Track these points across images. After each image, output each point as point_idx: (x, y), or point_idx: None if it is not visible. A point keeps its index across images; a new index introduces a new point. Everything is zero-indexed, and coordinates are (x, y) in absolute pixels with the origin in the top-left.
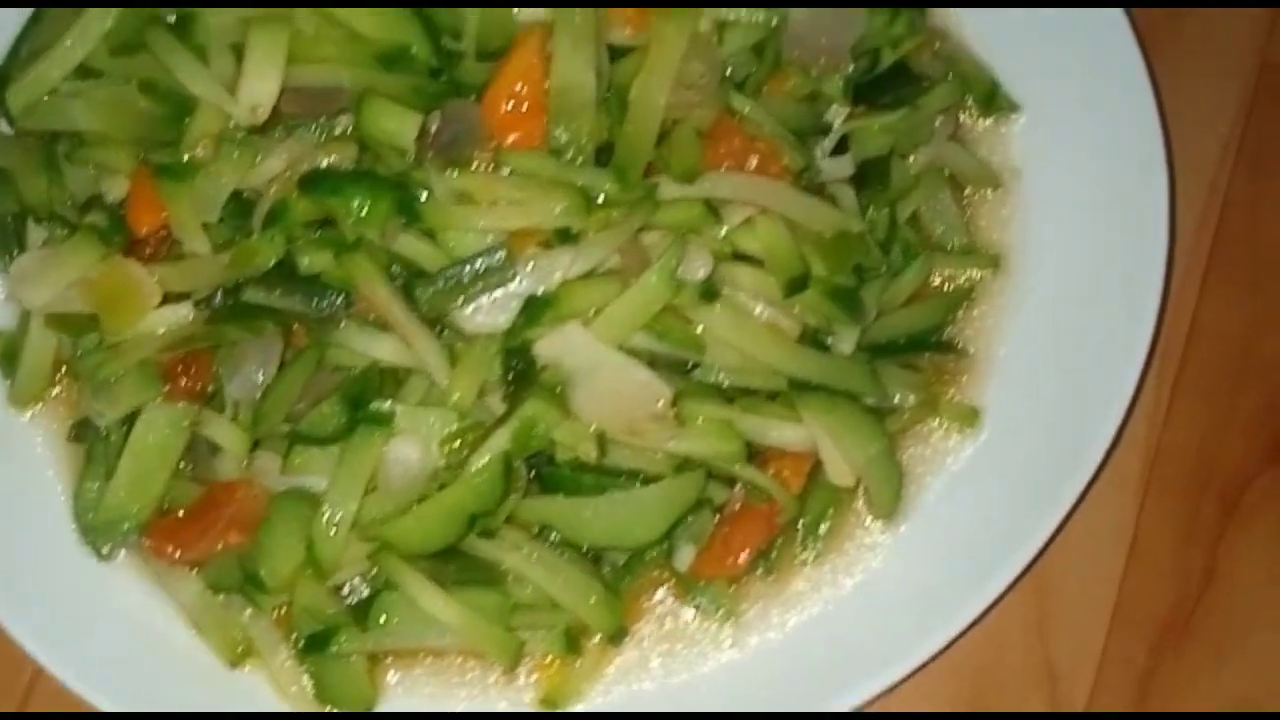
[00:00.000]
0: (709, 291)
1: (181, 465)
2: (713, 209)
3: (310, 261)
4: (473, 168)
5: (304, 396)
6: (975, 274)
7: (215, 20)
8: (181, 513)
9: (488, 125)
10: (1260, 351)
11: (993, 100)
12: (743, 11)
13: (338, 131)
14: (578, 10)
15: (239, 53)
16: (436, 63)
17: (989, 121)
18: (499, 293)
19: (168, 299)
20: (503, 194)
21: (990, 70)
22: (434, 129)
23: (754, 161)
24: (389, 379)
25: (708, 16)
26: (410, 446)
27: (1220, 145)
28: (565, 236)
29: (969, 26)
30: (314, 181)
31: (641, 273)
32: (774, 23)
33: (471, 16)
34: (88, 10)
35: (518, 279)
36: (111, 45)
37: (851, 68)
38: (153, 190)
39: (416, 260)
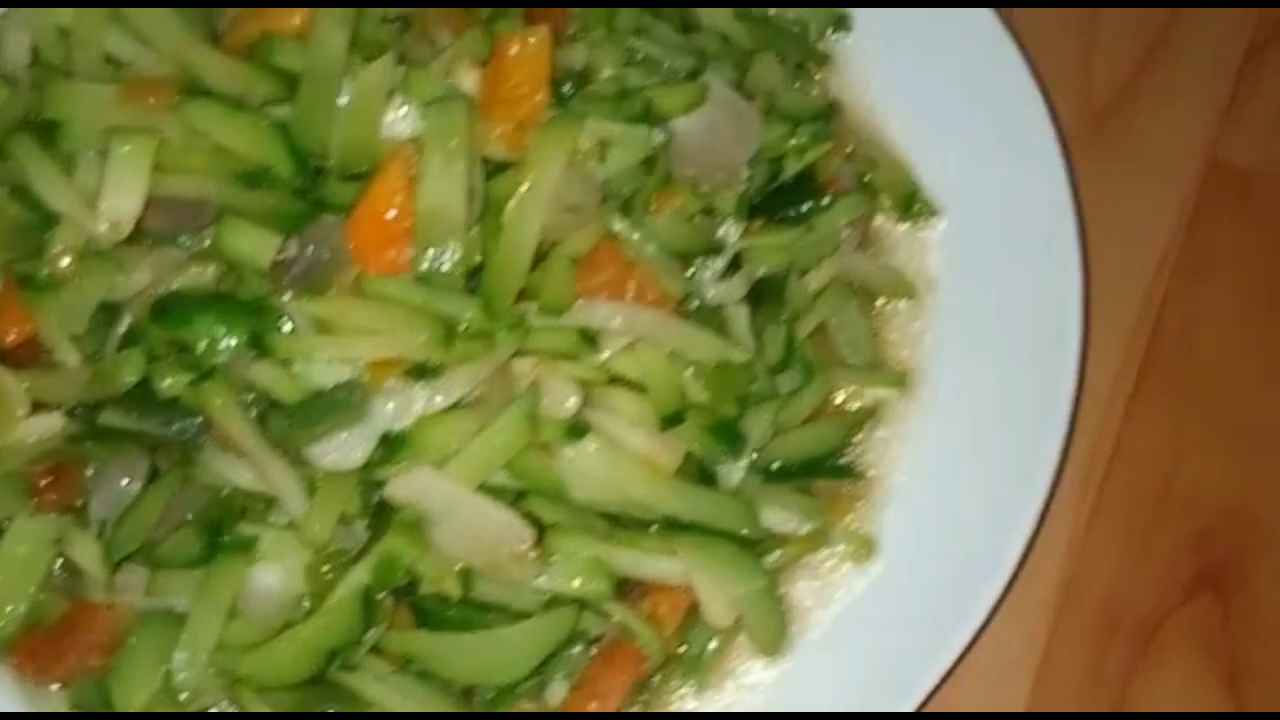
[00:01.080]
0: (576, 428)
1: (55, 574)
2: (589, 335)
3: (169, 384)
4: (333, 293)
5: (171, 514)
6: (880, 393)
7: (83, 128)
8: (46, 630)
9: (352, 248)
10: (1184, 480)
11: (911, 204)
12: (627, 129)
13: (204, 246)
14: (450, 129)
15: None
16: (299, 182)
17: (907, 226)
18: (354, 429)
19: (39, 408)
20: (362, 322)
21: (911, 173)
22: (294, 252)
23: (632, 287)
24: (260, 499)
25: (589, 133)
26: (273, 573)
27: (1161, 250)
28: (426, 369)
29: (893, 123)
30: (165, 310)
31: (508, 405)
32: (658, 140)
33: (338, 134)
34: None
35: (373, 417)
36: None
37: (746, 184)
38: (20, 298)
39: (271, 390)
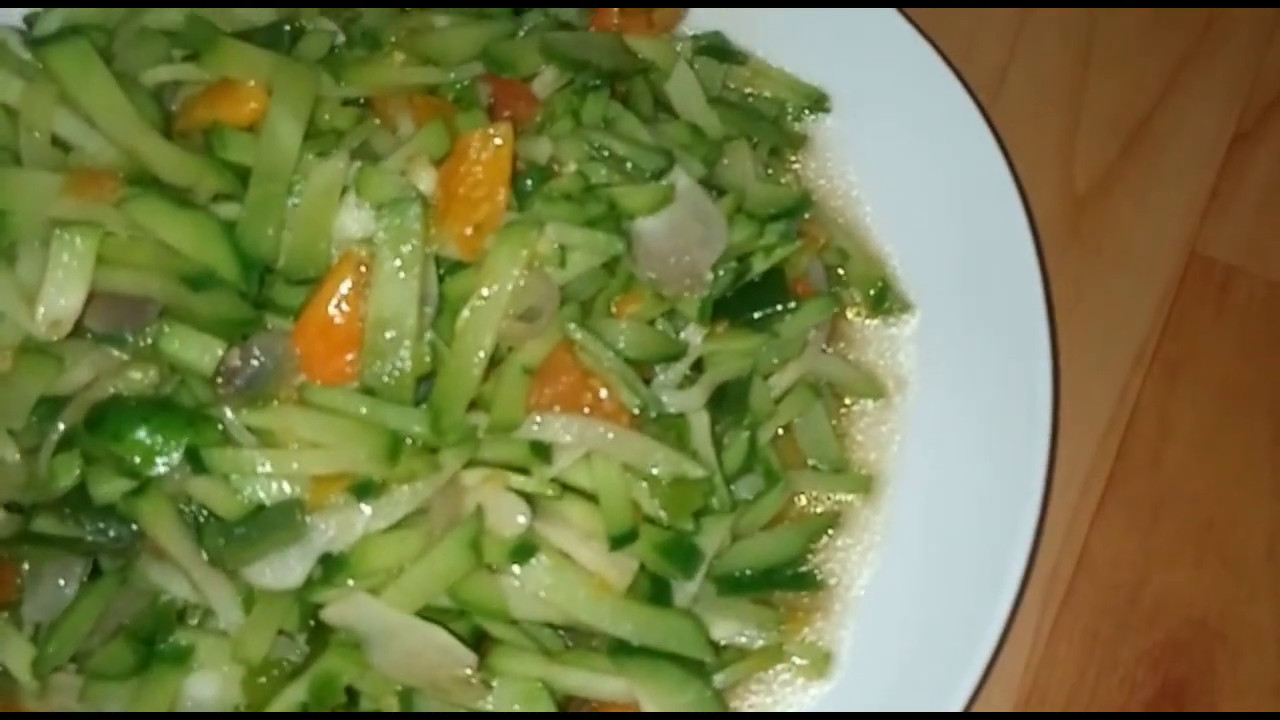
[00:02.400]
0: (523, 549)
1: None
2: (541, 448)
3: (104, 492)
4: (276, 403)
5: (107, 620)
6: (844, 497)
7: (26, 219)
8: None
9: (298, 354)
10: (1150, 590)
11: (883, 300)
12: (589, 235)
13: (145, 346)
14: (405, 235)
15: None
16: (245, 288)
17: (878, 321)
18: (293, 549)
19: None
20: (305, 434)
21: (883, 267)
22: (237, 361)
23: (589, 399)
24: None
25: (548, 237)
26: (209, 683)
27: (1138, 345)
28: (370, 486)
29: (867, 210)
30: (101, 420)
31: (454, 520)
32: (619, 249)
33: (287, 237)
34: None
35: (313, 537)
36: None
37: (709, 288)
38: None
39: (208, 503)
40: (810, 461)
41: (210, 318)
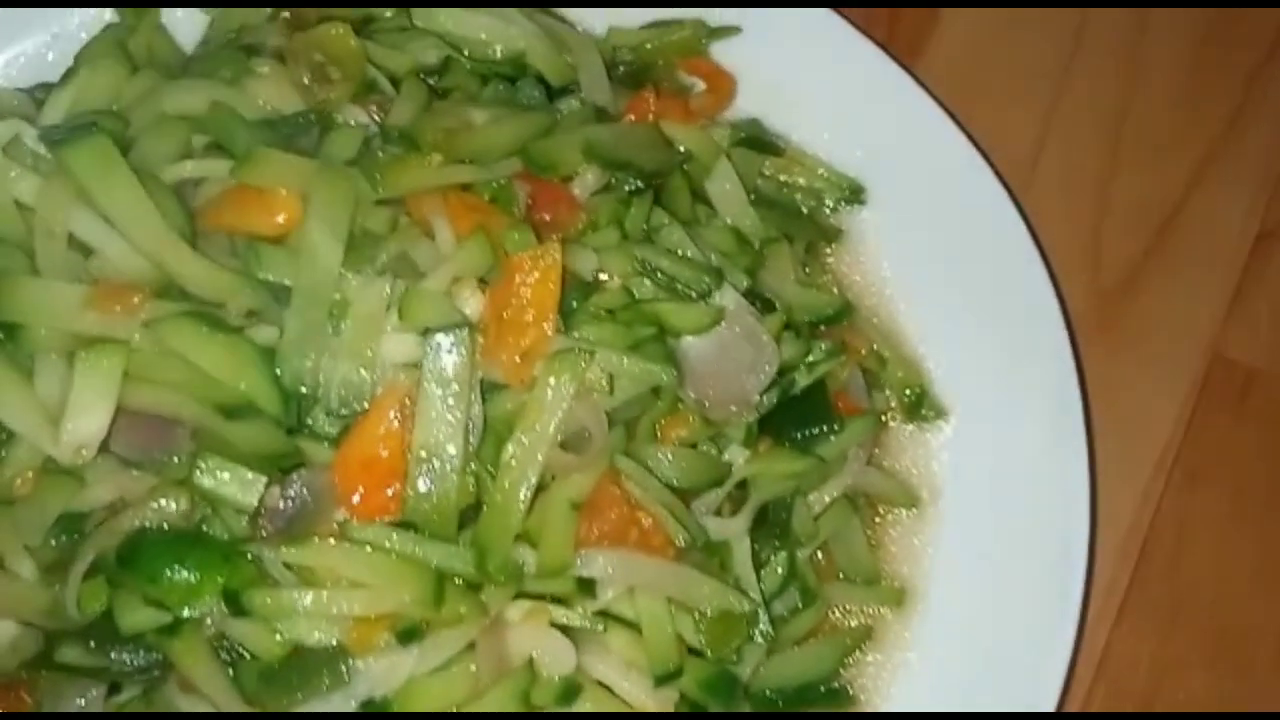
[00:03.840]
0: (569, 690)
1: None
2: (587, 582)
3: (133, 622)
4: (317, 540)
5: None
6: (877, 610)
7: (45, 333)
8: None
9: (338, 487)
10: (1164, 698)
11: (919, 407)
12: (639, 367)
13: (174, 470)
14: (450, 364)
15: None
16: (285, 420)
17: (913, 428)
18: (335, 694)
19: None
20: (347, 573)
21: (920, 371)
22: (279, 499)
23: (635, 534)
24: None
25: (598, 363)
26: None
27: (1160, 447)
28: (415, 629)
29: (901, 306)
30: (134, 557)
31: (498, 656)
32: (671, 378)
33: (328, 365)
34: None
35: (356, 681)
36: None
37: (756, 415)
38: None
39: (245, 643)
40: (842, 572)
41: (248, 450)
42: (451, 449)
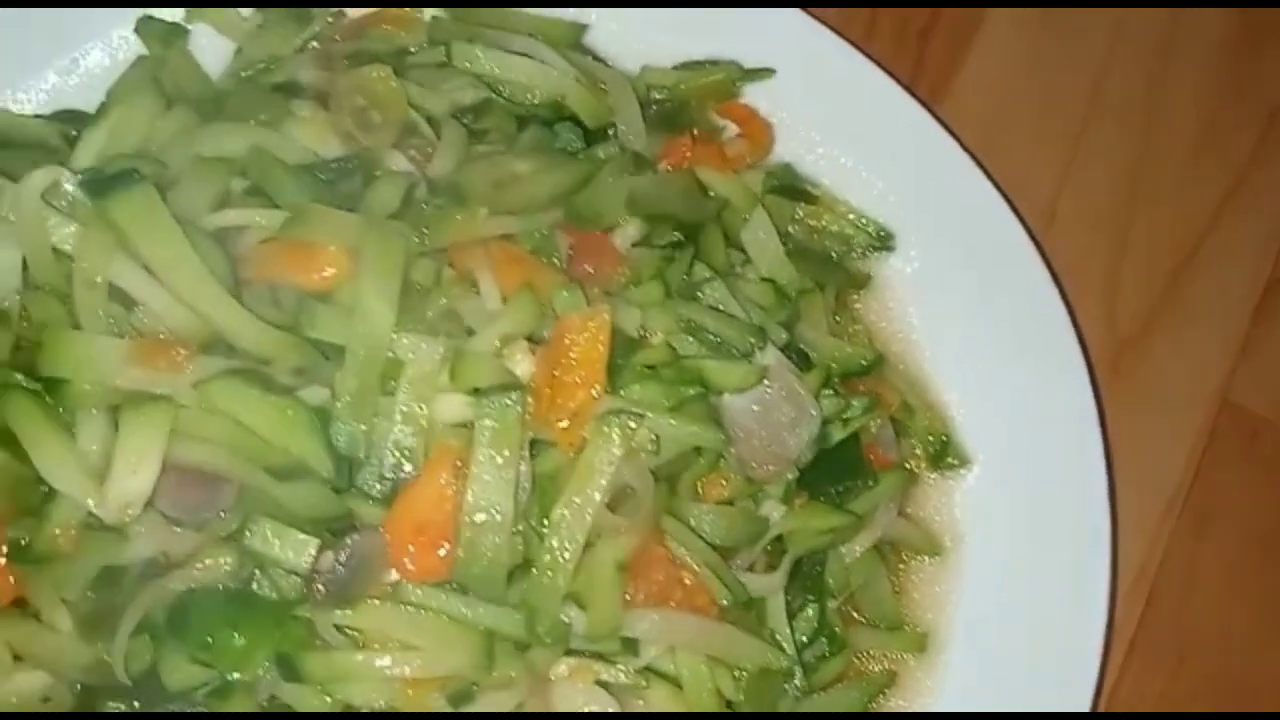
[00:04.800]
0: None
1: None
2: (630, 640)
3: (180, 679)
4: (368, 602)
5: None
6: (899, 655)
7: (88, 389)
8: None
9: (390, 549)
10: None
11: (944, 455)
12: (688, 431)
13: (222, 527)
14: (504, 430)
15: (114, 415)
16: (337, 484)
17: (936, 475)
18: None
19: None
20: (399, 635)
21: (946, 419)
22: (332, 563)
23: (679, 595)
24: None
25: (647, 426)
26: None
27: (1169, 493)
28: (466, 693)
29: (927, 354)
30: (184, 622)
31: (542, 707)
32: (719, 441)
33: (381, 428)
34: None
35: None
36: None
37: (796, 472)
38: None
39: (295, 705)
40: (866, 618)
41: (299, 512)
42: (502, 511)
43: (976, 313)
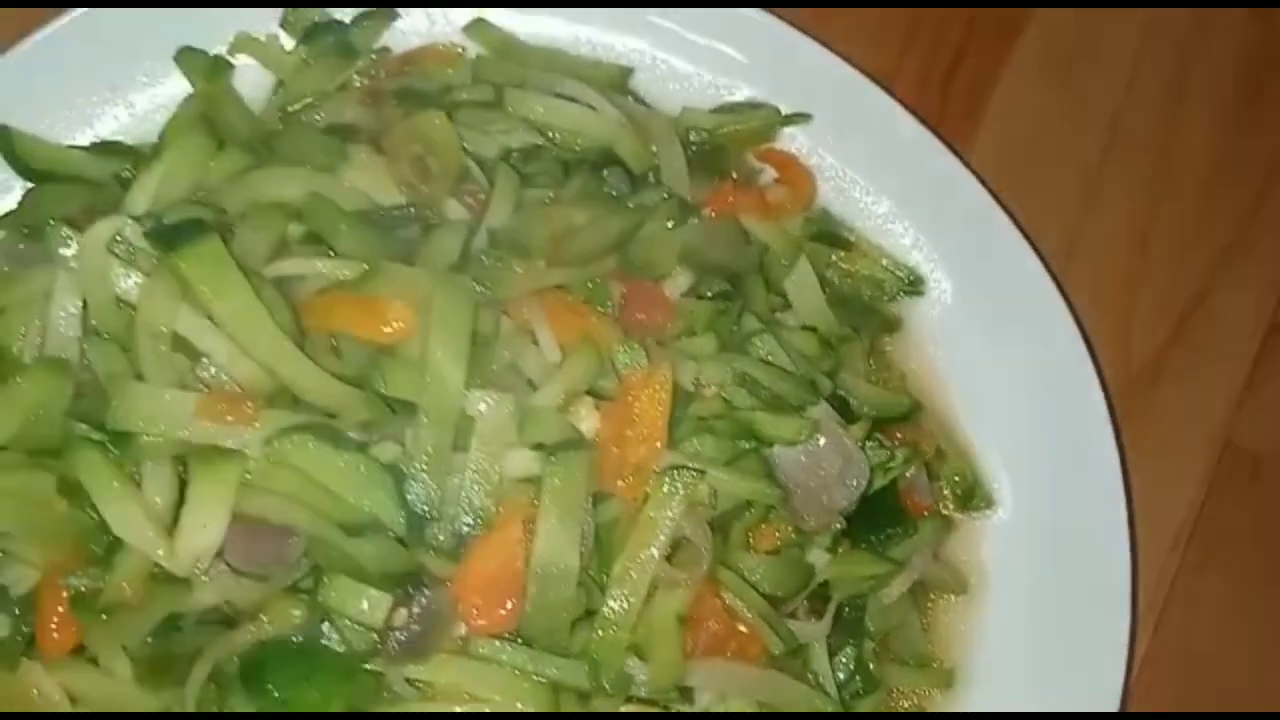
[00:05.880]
0: None
1: None
2: (687, 689)
3: None
4: (438, 655)
5: None
6: (927, 690)
7: (155, 441)
8: None
9: (459, 603)
10: None
11: (972, 498)
12: (748, 486)
13: (283, 579)
14: (571, 487)
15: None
16: (410, 541)
17: (962, 516)
18: None
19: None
20: (468, 689)
21: (973, 463)
22: (404, 619)
23: (733, 644)
24: None
25: (708, 481)
26: None
27: (1174, 531)
28: None
29: (954, 396)
30: (256, 675)
31: None
32: (776, 498)
33: (453, 484)
34: None
35: None
36: (24, 448)
37: (843, 523)
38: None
39: None
40: (895, 655)
41: (370, 567)
42: (568, 565)
43: (1000, 356)
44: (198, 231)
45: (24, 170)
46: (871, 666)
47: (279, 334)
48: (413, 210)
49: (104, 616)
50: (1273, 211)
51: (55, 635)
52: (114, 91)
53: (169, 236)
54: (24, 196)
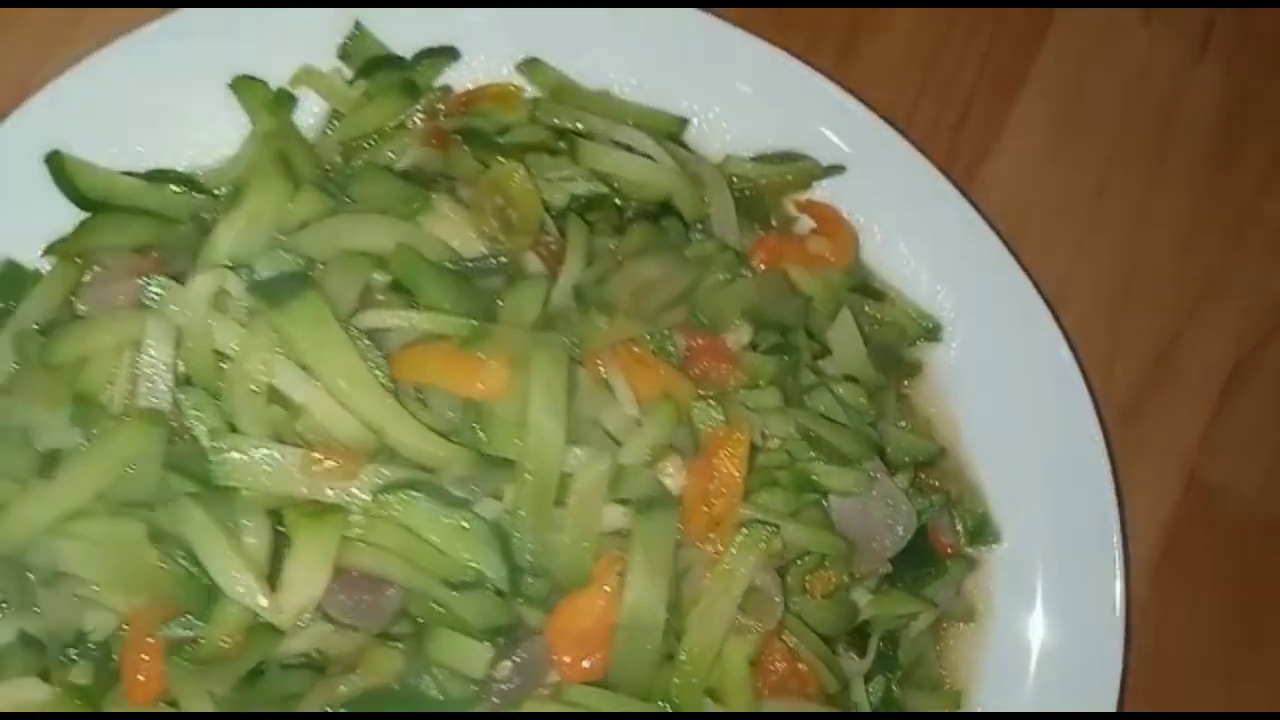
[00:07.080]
0: None
1: None
2: None
3: None
4: (532, 702)
5: None
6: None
7: (258, 496)
8: None
9: (552, 653)
10: None
11: (981, 534)
12: (814, 535)
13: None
14: (659, 540)
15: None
16: (510, 595)
17: (970, 549)
18: None
19: None
20: None
21: (983, 499)
22: (506, 670)
23: (795, 683)
24: None
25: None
26: None
27: (1145, 564)
28: None
29: (963, 449)
30: None
31: None
32: (842, 550)
33: (553, 541)
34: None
35: None
36: (115, 498)
37: (889, 567)
38: (154, 648)
39: None
40: (909, 678)
41: (471, 620)
42: (656, 618)
43: (1005, 396)
44: (301, 286)
45: (77, 198)
46: (897, 695)
47: (381, 390)
48: (494, 262)
49: (199, 666)
50: (1240, 264)
51: (142, 681)
52: (164, 118)
53: (273, 291)
54: (79, 225)
